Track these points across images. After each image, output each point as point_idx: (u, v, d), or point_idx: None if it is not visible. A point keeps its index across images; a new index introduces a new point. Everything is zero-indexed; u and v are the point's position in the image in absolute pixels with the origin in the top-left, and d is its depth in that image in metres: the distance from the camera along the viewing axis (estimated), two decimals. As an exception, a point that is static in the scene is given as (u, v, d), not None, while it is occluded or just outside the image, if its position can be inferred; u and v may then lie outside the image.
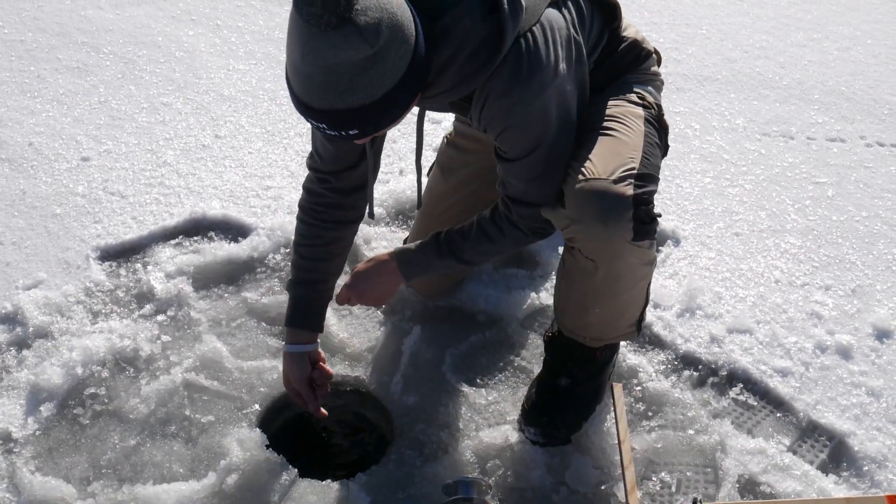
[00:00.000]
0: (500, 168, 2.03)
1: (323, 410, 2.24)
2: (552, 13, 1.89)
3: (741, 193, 3.20)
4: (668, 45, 4.18)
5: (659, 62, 2.31)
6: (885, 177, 3.33)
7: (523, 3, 1.80)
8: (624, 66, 2.18)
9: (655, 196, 1.98)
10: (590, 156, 1.95)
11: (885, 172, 3.35)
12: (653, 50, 2.26)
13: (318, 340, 2.28)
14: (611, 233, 1.90)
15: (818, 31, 4.44)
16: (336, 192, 2.21)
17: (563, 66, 1.89)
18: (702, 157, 3.39)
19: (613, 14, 2.12)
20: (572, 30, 1.94)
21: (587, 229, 1.93)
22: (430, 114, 3.39)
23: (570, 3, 1.98)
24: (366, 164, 2.17)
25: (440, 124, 3.45)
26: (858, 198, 3.21)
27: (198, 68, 3.84)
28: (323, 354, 2.28)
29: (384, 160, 3.26)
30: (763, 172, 3.32)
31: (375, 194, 3.03)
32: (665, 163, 3.22)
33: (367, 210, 2.31)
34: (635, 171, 1.92)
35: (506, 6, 1.76)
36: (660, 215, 1.96)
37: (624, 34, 2.18)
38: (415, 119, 2.08)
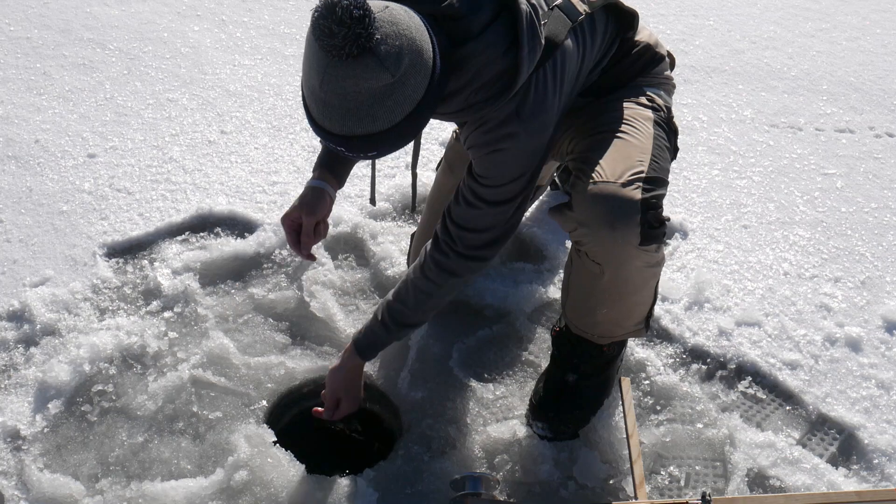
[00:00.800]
0: (467, 187, 2.00)
1: (312, 254, 2.20)
2: (567, 45, 1.90)
3: (749, 185, 3.19)
4: (676, 37, 4.16)
5: (672, 66, 2.30)
6: (894, 167, 3.31)
7: (542, 39, 1.81)
8: (636, 69, 2.18)
9: (665, 198, 1.97)
10: (599, 159, 1.95)
11: (894, 163, 3.33)
12: (665, 54, 2.25)
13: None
14: (618, 237, 1.89)
15: (826, 21, 4.41)
16: None
17: (563, 105, 1.93)
18: (710, 148, 3.37)
19: (630, 24, 2.13)
20: (578, 60, 1.96)
21: (595, 233, 1.92)
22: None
23: (585, 24, 1.98)
24: None
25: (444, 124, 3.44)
26: (868, 189, 3.19)
27: (203, 64, 3.84)
28: (329, 214, 2.23)
29: (390, 154, 3.25)
30: (771, 164, 3.30)
31: (381, 188, 3.02)
32: (672, 155, 3.23)
33: (370, 196, 2.34)
34: (644, 175, 1.91)
35: (525, 45, 1.77)
36: (668, 219, 1.95)
37: (638, 38, 2.17)
38: None
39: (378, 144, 1.69)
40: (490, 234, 2.03)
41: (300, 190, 2.99)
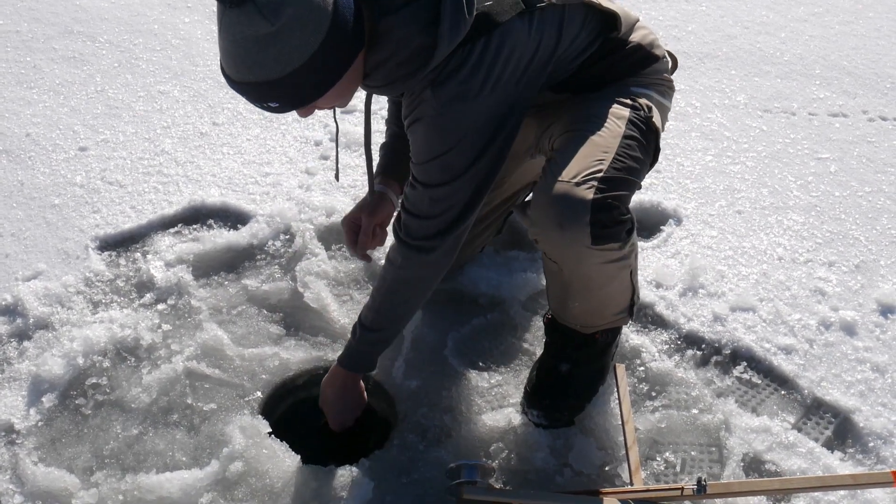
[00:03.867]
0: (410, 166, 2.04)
1: (369, 254, 2.39)
2: (513, 27, 1.88)
3: (743, 171, 3.18)
4: (668, 23, 4.15)
5: (674, 68, 2.28)
6: (888, 151, 3.30)
7: (468, 16, 1.81)
8: (624, 68, 2.15)
9: (651, 178, 1.96)
10: (561, 158, 1.94)
11: (888, 147, 3.33)
12: (663, 55, 2.23)
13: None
14: (566, 237, 1.89)
15: (819, 6, 4.40)
16: None
17: (495, 87, 1.89)
18: (703, 134, 3.36)
19: (613, 24, 2.10)
20: (531, 46, 1.93)
21: (545, 233, 1.93)
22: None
23: (548, 14, 1.96)
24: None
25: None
26: (861, 173, 3.18)
27: (194, 55, 3.83)
28: (389, 212, 2.36)
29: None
30: (765, 149, 3.30)
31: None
32: (666, 141, 3.22)
33: (335, 173, 2.37)
34: (601, 175, 1.89)
35: (446, 20, 1.78)
36: (627, 219, 1.92)
37: (632, 37, 2.14)
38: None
39: (274, 94, 1.76)
40: (431, 223, 2.01)
41: (293, 181, 3.02)
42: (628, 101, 2.09)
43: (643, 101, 2.11)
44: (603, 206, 1.86)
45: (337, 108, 2.09)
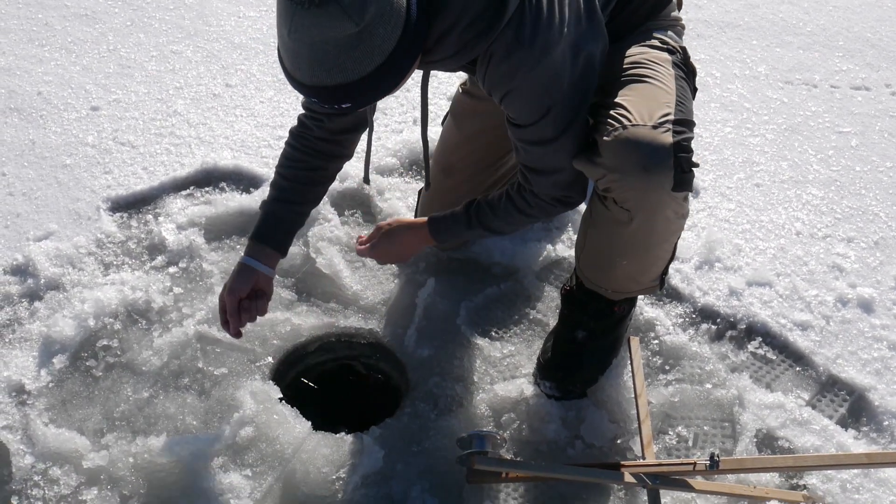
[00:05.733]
0: (511, 134, 1.97)
1: (240, 331, 2.15)
2: None
3: (762, 143, 3.13)
4: (689, -9, 4.08)
5: (680, 6, 2.23)
6: (910, 126, 3.25)
7: None
8: (644, 13, 2.10)
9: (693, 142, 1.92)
10: (623, 102, 1.88)
11: (910, 121, 3.27)
12: None
13: (275, 271, 2.20)
14: (652, 182, 1.83)
15: (844, -24, 4.31)
16: (327, 131, 2.18)
17: (571, 25, 1.83)
18: (722, 105, 3.31)
19: None
20: None
21: (626, 178, 1.86)
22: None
23: None
24: (361, 111, 2.14)
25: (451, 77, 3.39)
26: (883, 147, 3.13)
27: (208, 15, 3.78)
28: (271, 290, 2.20)
29: (397, 108, 3.20)
30: (785, 121, 3.25)
31: (389, 143, 2.98)
32: (685, 112, 3.18)
33: (363, 175, 2.31)
34: (672, 117, 1.85)
35: None
36: (697, 165, 1.89)
37: None
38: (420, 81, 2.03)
39: (351, 96, 1.66)
40: (562, 175, 1.98)
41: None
42: (661, 45, 2.05)
43: (673, 43, 2.08)
44: (682, 149, 1.83)
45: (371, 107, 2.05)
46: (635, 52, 2.02)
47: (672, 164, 1.81)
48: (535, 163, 1.98)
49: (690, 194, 2.80)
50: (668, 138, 1.81)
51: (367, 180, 2.28)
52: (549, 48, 1.79)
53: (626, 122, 1.83)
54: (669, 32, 2.12)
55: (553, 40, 1.79)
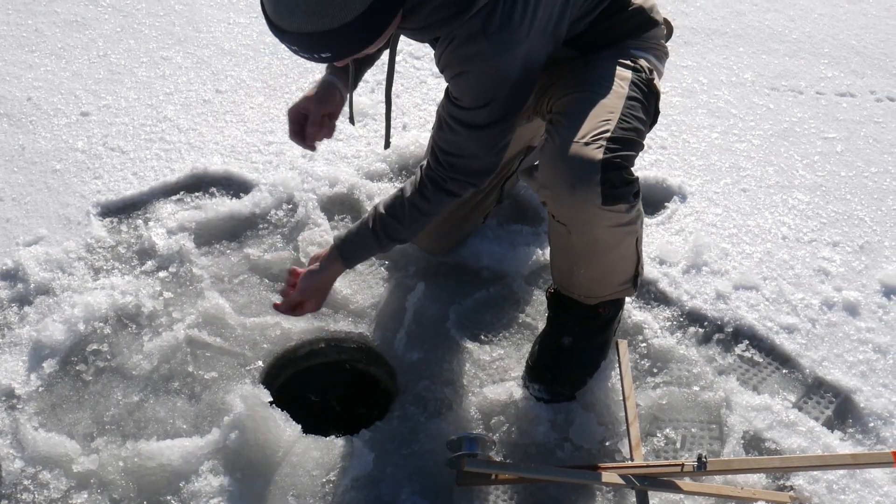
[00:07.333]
0: (445, 110, 2.01)
1: (315, 145, 2.25)
2: None
3: (749, 149, 3.16)
4: (676, -2, 4.11)
5: (669, 35, 2.26)
6: (894, 132, 3.28)
7: None
8: (627, 30, 2.13)
9: (636, 159, 1.95)
10: (566, 119, 1.93)
11: (895, 127, 3.30)
12: (662, 21, 2.21)
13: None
14: (577, 197, 1.87)
15: (829, -16, 4.35)
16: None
17: (538, 32, 1.88)
18: (709, 111, 3.34)
19: None
20: None
21: (555, 194, 1.91)
22: (411, 52, 3.45)
23: None
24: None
25: (421, 59, 3.46)
26: (868, 153, 3.16)
27: (198, 22, 3.79)
28: (337, 116, 2.26)
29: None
30: (771, 127, 3.28)
31: (377, 149, 2.99)
32: (671, 118, 3.21)
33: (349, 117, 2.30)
34: (608, 135, 1.88)
35: None
36: (634, 179, 1.92)
37: (633, 0, 2.13)
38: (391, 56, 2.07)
39: (330, 44, 1.70)
40: (477, 161, 2.03)
41: (296, 150, 3.00)
42: (629, 63, 2.08)
43: (643, 63, 2.10)
44: (613, 166, 1.86)
45: None
46: (599, 68, 2.05)
47: (599, 181, 1.84)
48: (454, 144, 2.02)
49: (673, 198, 2.85)
50: (598, 154, 1.84)
51: (387, 144, 2.29)
52: (511, 46, 1.84)
53: (559, 138, 1.88)
54: (648, 55, 2.15)
55: (517, 39, 1.84)
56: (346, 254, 2.23)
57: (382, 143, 2.98)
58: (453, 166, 2.04)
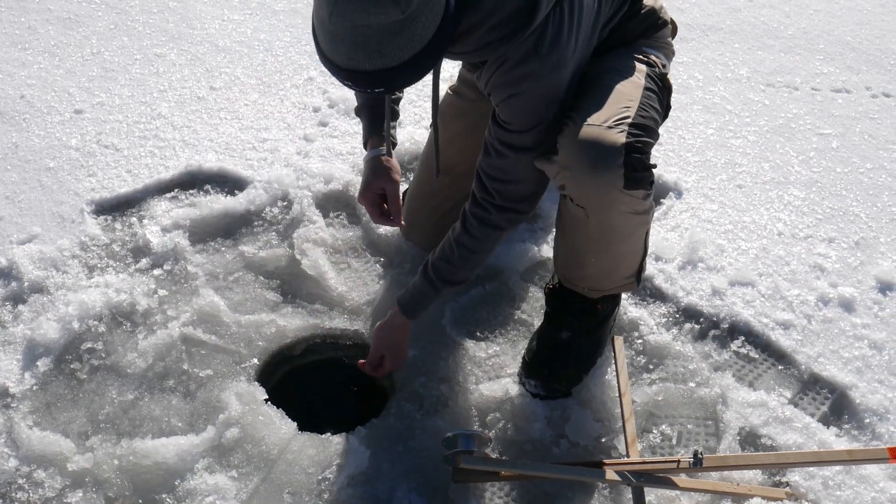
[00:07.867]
0: (493, 135, 1.99)
1: (402, 221, 2.31)
2: None
3: (744, 145, 3.16)
4: (672, -6, 4.10)
5: (674, 33, 2.27)
6: (890, 128, 3.28)
7: None
8: (640, 31, 2.15)
9: (653, 148, 1.95)
10: (585, 104, 1.93)
11: (890, 124, 3.31)
12: (669, 20, 2.22)
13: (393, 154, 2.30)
14: (601, 180, 1.87)
15: (824, -20, 4.35)
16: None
17: (580, 47, 1.89)
18: (705, 107, 3.34)
19: None
20: (595, 6, 1.93)
21: (577, 176, 1.90)
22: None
23: None
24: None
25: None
26: (863, 149, 3.16)
27: (192, 19, 3.77)
28: (397, 166, 2.30)
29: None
30: (767, 123, 3.28)
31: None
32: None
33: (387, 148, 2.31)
34: (629, 120, 1.89)
35: None
36: (654, 165, 1.93)
37: (644, 2, 2.13)
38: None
39: (386, 80, 1.67)
40: (525, 186, 2.03)
41: (291, 147, 2.99)
42: (642, 58, 2.09)
43: (655, 59, 2.12)
44: (635, 149, 1.86)
45: None
46: (614, 60, 2.06)
47: (622, 163, 1.84)
48: (501, 170, 2.01)
49: (669, 194, 2.85)
50: (621, 138, 1.85)
51: (389, 153, 2.30)
52: (562, 65, 1.85)
53: (581, 121, 1.88)
54: (659, 53, 2.17)
55: (566, 58, 1.85)
56: (406, 308, 2.22)
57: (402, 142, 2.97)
58: (500, 193, 2.03)
